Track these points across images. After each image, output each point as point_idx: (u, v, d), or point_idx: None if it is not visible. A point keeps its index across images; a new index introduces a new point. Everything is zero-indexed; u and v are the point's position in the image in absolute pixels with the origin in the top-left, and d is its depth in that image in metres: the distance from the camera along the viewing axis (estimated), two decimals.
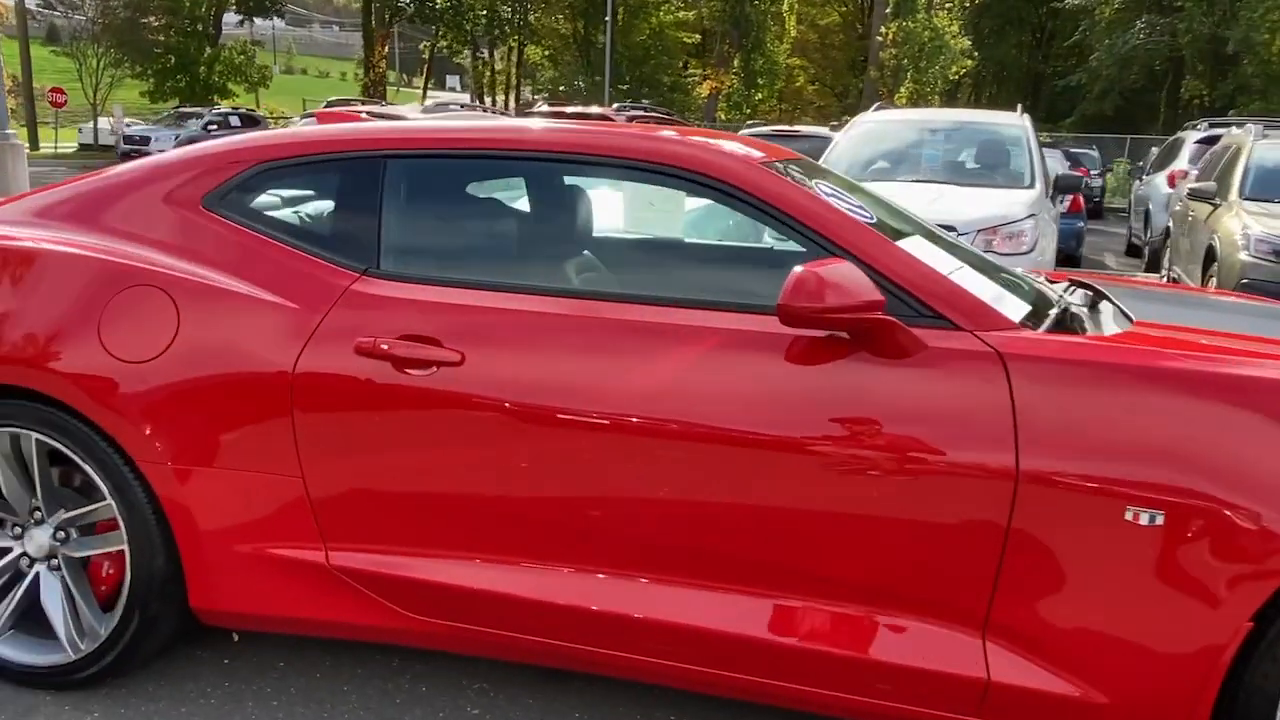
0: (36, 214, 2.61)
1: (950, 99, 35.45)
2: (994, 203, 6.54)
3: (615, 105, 16.45)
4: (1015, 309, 2.19)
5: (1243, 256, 6.69)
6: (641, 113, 15.25)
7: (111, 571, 2.51)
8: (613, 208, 2.70)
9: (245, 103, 34.44)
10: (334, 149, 2.46)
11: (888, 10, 30.96)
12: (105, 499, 2.37)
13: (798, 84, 47.95)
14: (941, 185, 6.91)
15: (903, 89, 30.65)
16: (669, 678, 2.24)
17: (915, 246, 2.25)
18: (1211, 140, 11.09)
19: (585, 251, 2.68)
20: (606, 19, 29.97)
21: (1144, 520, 1.88)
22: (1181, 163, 11.63)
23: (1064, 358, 1.98)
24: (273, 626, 2.46)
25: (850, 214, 2.20)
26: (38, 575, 2.49)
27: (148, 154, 23.58)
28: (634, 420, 2.10)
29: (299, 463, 2.29)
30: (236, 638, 2.70)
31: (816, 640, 2.08)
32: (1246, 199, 7.41)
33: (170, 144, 24.01)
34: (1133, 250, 13.48)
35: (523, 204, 2.73)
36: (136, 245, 2.46)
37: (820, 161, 4.05)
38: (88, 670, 2.44)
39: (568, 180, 2.71)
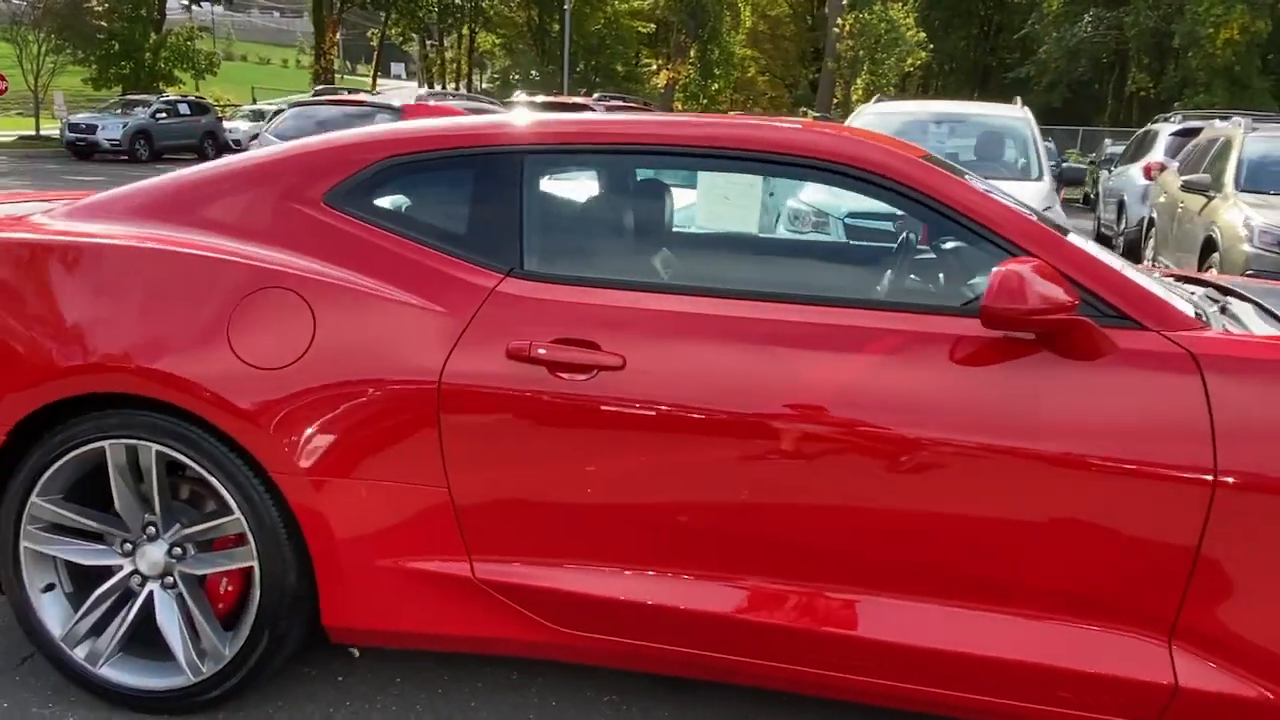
0: (138, 212, 2.47)
1: (901, 91, 35.82)
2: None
3: (595, 95, 16.32)
4: (1188, 308, 2.16)
5: (1246, 248, 6.81)
6: (620, 103, 15.17)
7: (230, 588, 2.39)
8: (766, 204, 2.62)
9: (189, 90, 33.53)
10: (466, 144, 2.36)
11: (844, 2, 31.12)
12: (233, 513, 2.24)
13: (749, 74, 48.12)
14: None
15: (859, 80, 30.88)
16: (827, 688, 2.19)
17: (1085, 244, 2.21)
18: (1187, 133, 11.30)
19: (740, 248, 2.60)
20: (566, 7, 29.71)
21: None
22: (1157, 154, 11.83)
23: (1258, 357, 1.96)
24: (408, 643, 2.36)
25: (1024, 213, 2.16)
26: (151, 594, 2.36)
27: (95, 142, 23.07)
28: (804, 426, 2.03)
29: (444, 472, 2.19)
30: (358, 654, 2.59)
31: (998, 648, 2.04)
32: (1243, 191, 7.54)
33: (119, 132, 23.32)
34: (1102, 240, 13.72)
35: (672, 200, 2.63)
36: (256, 245, 2.33)
37: None
38: (210, 693, 2.32)
39: (722, 176, 2.62)
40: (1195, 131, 10.73)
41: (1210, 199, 7.81)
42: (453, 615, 2.27)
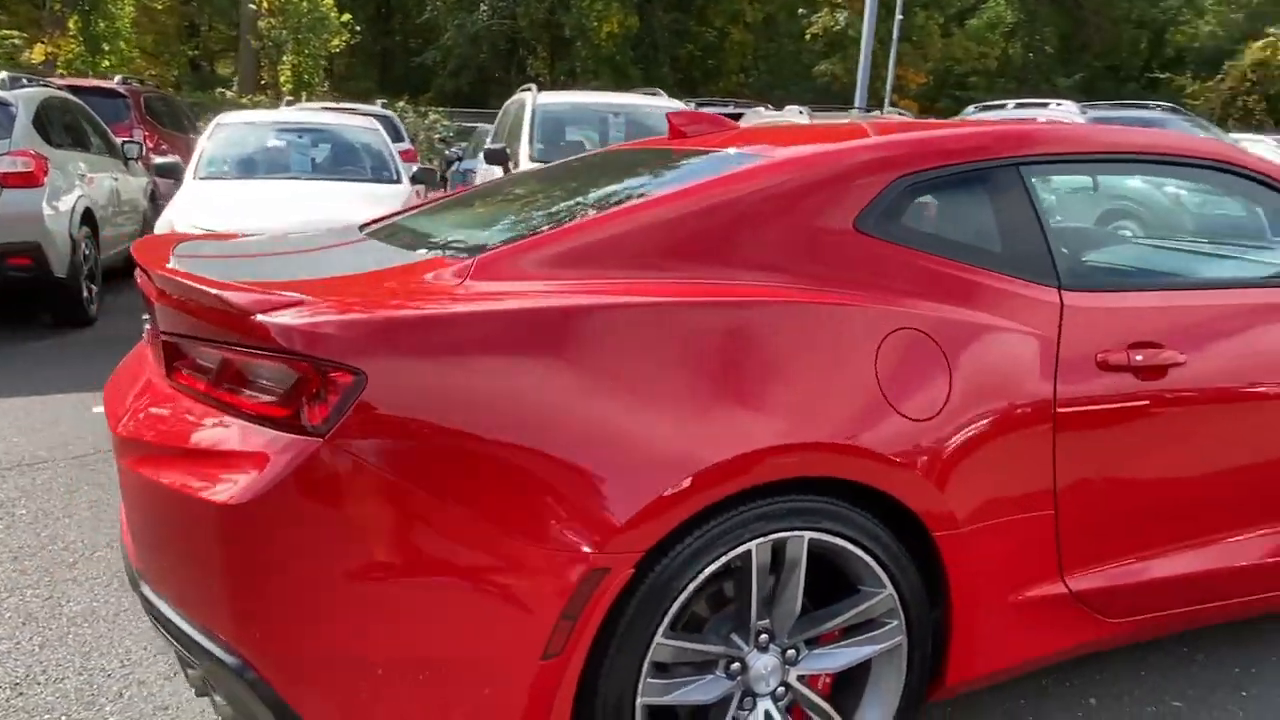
0: (597, 260, 1.93)
1: (329, 75, 34.99)
2: None
3: (118, 79, 13.50)
4: None
5: None
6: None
7: (827, 679, 2.06)
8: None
9: None
10: (974, 157, 2.26)
11: None
12: (884, 588, 1.96)
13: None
14: None
15: (285, 59, 29.56)
16: None
17: None
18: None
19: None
20: None
21: None
22: None
23: None
24: (1001, 677, 2.25)
25: None
26: (766, 715, 1.94)
27: None
28: None
29: (1054, 494, 2.15)
30: None
31: None
32: None
33: None
34: None
35: (1168, 203, 2.73)
36: (811, 281, 2.01)
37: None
38: None
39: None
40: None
41: None
42: (1048, 635, 2.24)
